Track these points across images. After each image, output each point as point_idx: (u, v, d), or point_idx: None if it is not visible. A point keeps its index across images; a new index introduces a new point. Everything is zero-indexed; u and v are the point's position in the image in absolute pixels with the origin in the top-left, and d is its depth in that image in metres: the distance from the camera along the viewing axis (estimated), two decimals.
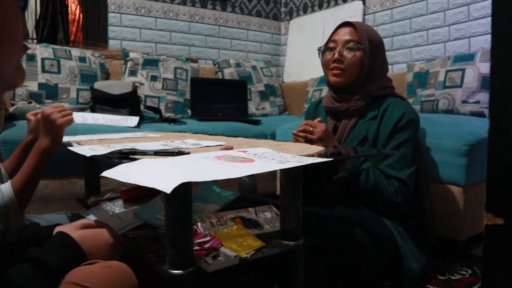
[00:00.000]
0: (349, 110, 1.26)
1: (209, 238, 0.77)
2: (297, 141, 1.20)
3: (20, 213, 0.89)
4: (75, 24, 3.47)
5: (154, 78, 2.49)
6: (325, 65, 1.30)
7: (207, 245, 0.75)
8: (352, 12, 2.87)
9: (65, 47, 2.32)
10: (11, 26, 0.35)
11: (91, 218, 1.06)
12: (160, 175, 0.60)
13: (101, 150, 0.86)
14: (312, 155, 0.79)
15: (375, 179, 1.13)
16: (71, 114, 1.03)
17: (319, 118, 1.21)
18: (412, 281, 1.15)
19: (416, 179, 1.28)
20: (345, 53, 1.24)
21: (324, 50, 1.31)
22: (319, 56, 1.33)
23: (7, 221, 0.85)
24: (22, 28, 0.38)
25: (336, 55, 1.24)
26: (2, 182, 0.94)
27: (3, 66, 0.36)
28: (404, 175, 1.16)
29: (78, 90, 2.22)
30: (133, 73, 2.48)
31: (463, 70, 1.86)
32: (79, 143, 1.08)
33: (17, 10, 0.36)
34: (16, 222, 0.86)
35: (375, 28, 2.78)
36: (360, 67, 1.24)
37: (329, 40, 1.29)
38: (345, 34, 1.25)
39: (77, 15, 3.47)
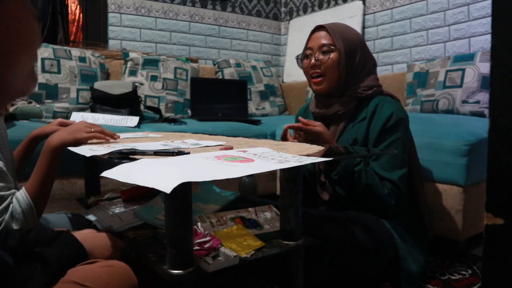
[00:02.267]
0: (338, 114, 1.25)
1: (209, 238, 0.77)
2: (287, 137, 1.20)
3: (38, 217, 0.88)
4: (75, 24, 3.47)
5: (154, 78, 2.49)
6: (306, 72, 1.31)
7: (207, 245, 0.75)
8: (352, 12, 2.87)
9: (65, 47, 2.32)
10: (27, 37, 0.37)
11: (91, 218, 1.06)
12: (160, 175, 0.60)
13: (101, 150, 0.86)
14: (312, 155, 0.79)
15: (368, 181, 1.12)
16: (108, 137, 1.02)
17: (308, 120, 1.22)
18: (411, 282, 1.15)
19: (410, 178, 1.27)
20: (321, 57, 1.24)
21: (302, 57, 1.31)
22: (298, 64, 1.34)
23: (26, 227, 0.84)
24: (38, 38, 0.39)
25: (312, 61, 1.25)
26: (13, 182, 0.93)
27: (16, 74, 0.37)
28: (395, 177, 1.15)
29: (78, 90, 2.22)
30: (133, 73, 2.48)
31: (463, 70, 1.86)
32: None
33: (33, 21, 0.38)
34: (33, 226, 0.86)
35: (374, 28, 2.78)
36: (337, 69, 1.23)
37: (306, 48, 1.30)
38: (318, 39, 1.26)
39: (77, 15, 3.47)
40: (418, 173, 1.31)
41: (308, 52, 1.28)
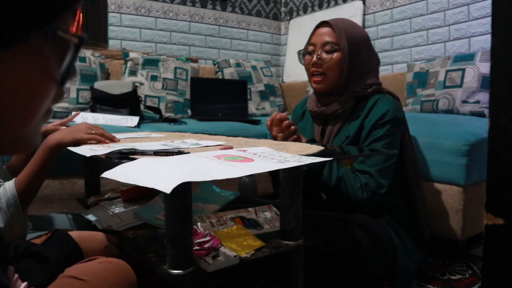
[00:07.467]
0: (336, 113, 1.24)
1: (209, 238, 0.77)
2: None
3: (23, 211, 0.88)
4: (75, 24, 3.46)
5: (154, 78, 2.49)
6: (307, 69, 1.29)
7: (207, 245, 0.75)
8: (352, 12, 2.87)
9: None
10: (34, 98, 0.31)
11: (91, 218, 1.06)
12: (159, 175, 0.60)
13: (100, 150, 0.86)
14: (312, 155, 0.79)
15: (339, 173, 1.11)
16: (108, 140, 1.01)
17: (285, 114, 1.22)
18: (405, 279, 1.16)
19: (406, 178, 1.28)
20: (323, 55, 1.22)
21: (304, 53, 1.29)
22: (299, 60, 1.31)
23: (9, 219, 0.84)
24: (51, 98, 0.33)
25: (314, 59, 1.23)
26: (4, 179, 0.93)
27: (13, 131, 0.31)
28: (374, 170, 1.13)
29: (78, 90, 2.22)
30: (133, 73, 2.47)
31: (463, 70, 1.86)
32: None
33: (49, 84, 0.32)
34: (18, 220, 0.85)
35: (374, 28, 2.78)
36: (339, 69, 1.21)
37: (308, 43, 1.28)
38: (322, 36, 1.23)
39: (77, 15, 3.47)
40: (415, 173, 1.31)
41: (311, 48, 1.25)
